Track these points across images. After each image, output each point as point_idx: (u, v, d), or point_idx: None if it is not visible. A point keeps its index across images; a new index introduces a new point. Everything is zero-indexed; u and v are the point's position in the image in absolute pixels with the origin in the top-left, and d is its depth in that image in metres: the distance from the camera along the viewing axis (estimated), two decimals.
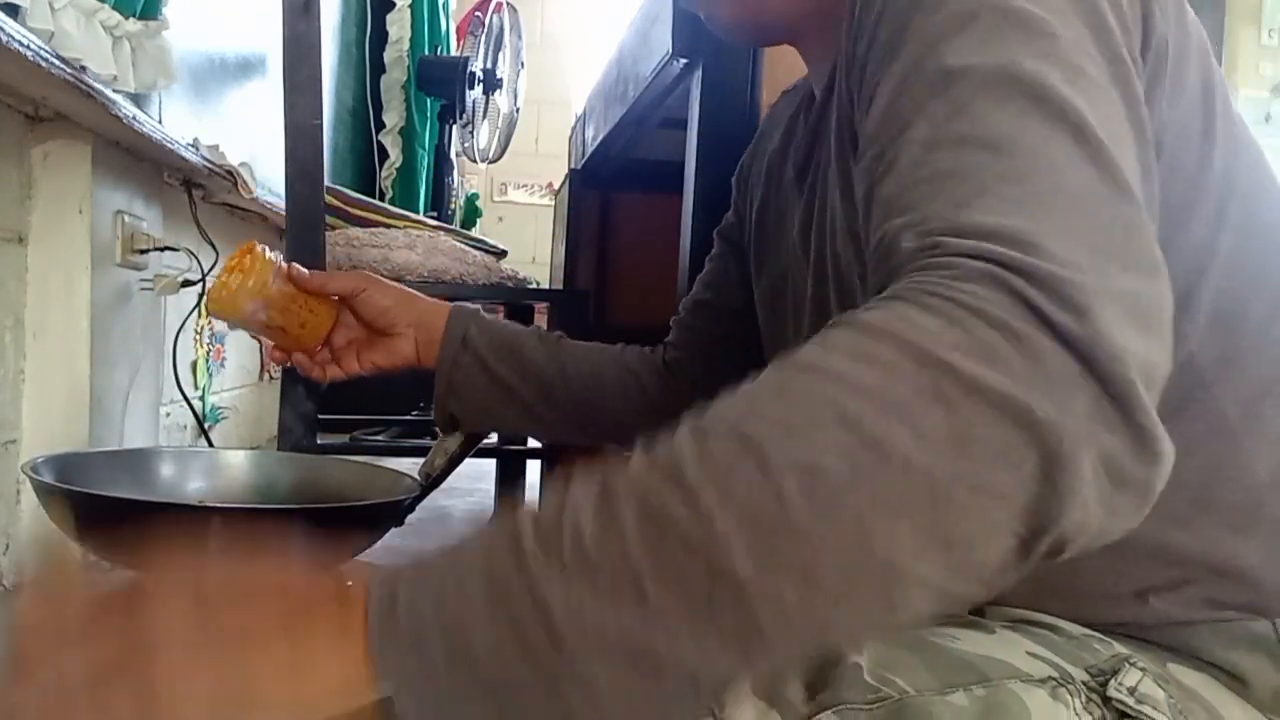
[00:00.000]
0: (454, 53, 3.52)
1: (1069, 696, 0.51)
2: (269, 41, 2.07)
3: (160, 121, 1.52)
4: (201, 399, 1.95)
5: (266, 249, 0.92)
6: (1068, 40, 0.46)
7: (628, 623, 0.36)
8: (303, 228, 1.34)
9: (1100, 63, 0.47)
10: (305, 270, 0.93)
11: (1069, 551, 0.39)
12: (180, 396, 1.74)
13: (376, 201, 1.96)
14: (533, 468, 2.06)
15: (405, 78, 3.35)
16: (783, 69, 0.98)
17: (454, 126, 3.37)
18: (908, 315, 0.38)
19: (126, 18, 1.27)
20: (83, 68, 1.17)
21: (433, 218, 2.64)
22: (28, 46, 1.05)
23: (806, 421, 0.37)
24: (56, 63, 1.11)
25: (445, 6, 3.61)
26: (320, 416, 1.38)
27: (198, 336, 1.99)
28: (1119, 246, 0.41)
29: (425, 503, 1.06)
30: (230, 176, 1.71)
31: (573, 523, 0.37)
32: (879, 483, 0.36)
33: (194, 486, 1.13)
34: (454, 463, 1.04)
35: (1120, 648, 0.55)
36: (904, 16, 0.49)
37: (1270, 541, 0.57)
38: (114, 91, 1.26)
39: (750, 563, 0.35)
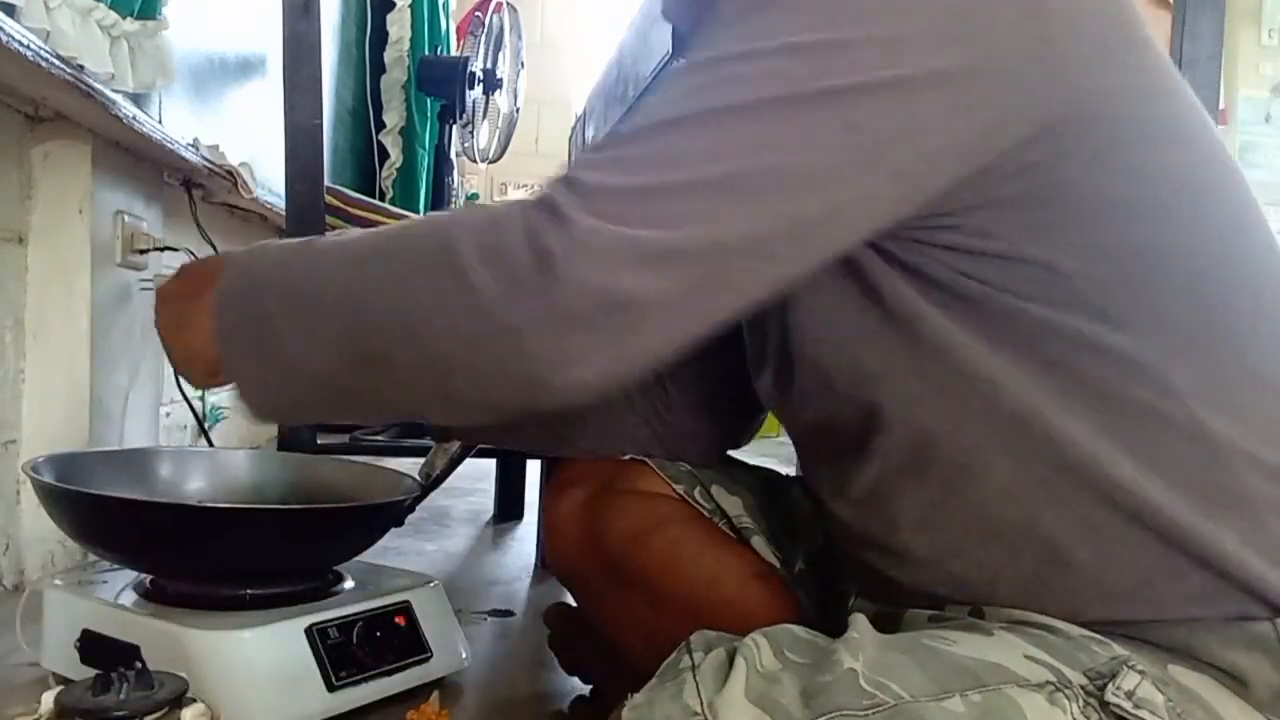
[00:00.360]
0: (454, 53, 3.52)
1: (1066, 701, 0.51)
2: (269, 41, 2.07)
3: (160, 121, 1.52)
4: (201, 399, 1.95)
5: None
6: (812, 48, 0.52)
7: (289, 323, 0.62)
8: (303, 228, 1.34)
9: (833, 69, 0.52)
10: None
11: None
12: (180, 396, 1.74)
13: (376, 201, 1.96)
14: (533, 468, 2.06)
15: (405, 78, 3.35)
16: None
17: (454, 126, 3.36)
18: (489, 219, 0.55)
19: (124, 17, 1.27)
20: (80, 67, 1.17)
21: None
22: (27, 46, 1.05)
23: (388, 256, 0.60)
24: (56, 62, 1.11)
25: (445, 6, 3.60)
26: None
27: None
28: (659, 220, 0.51)
29: (425, 503, 1.06)
30: (230, 176, 1.71)
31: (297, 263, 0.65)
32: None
33: (194, 486, 1.13)
34: (454, 463, 1.04)
35: (1119, 649, 0.55)
36: None
37: (1265, 542, 0.57)
38: (113, 91, 1.26)
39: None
